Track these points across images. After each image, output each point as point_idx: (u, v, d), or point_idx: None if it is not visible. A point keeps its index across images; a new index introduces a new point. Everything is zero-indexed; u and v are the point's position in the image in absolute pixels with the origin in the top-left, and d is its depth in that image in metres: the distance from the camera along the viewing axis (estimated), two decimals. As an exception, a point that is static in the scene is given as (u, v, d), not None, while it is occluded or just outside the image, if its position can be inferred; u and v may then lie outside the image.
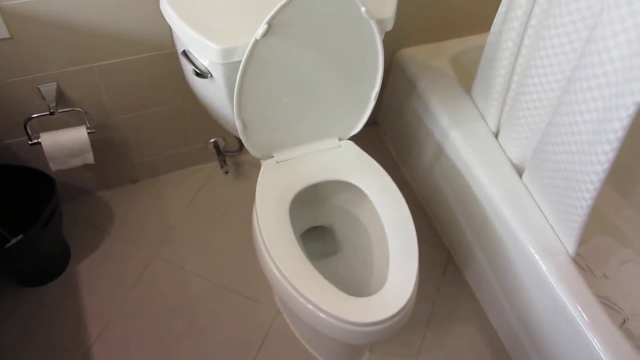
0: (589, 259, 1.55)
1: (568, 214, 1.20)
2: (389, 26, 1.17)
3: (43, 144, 1.33)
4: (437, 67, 1.66)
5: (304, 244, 1.48)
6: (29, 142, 1.33)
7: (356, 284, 1.35)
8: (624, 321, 1.42)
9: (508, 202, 1.34)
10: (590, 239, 1.60)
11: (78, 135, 1.35)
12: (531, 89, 1.27)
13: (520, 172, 1.41)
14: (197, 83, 1.23)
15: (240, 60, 1.06)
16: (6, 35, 1.17)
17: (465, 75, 1.66)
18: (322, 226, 1.52)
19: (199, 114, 1.57)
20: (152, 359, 1.39)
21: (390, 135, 1.91)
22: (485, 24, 1.70)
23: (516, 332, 1.41)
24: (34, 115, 1.31)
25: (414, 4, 1.55)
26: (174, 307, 1.49)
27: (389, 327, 1.08)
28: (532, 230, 1.29)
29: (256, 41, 1.03)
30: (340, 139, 1.36)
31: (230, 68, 1.09)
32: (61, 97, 1.35)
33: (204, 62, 1.13)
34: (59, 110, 1.32)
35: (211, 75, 1.14)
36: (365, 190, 1.27)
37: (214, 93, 1.20)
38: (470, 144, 1.46)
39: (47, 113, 1.30)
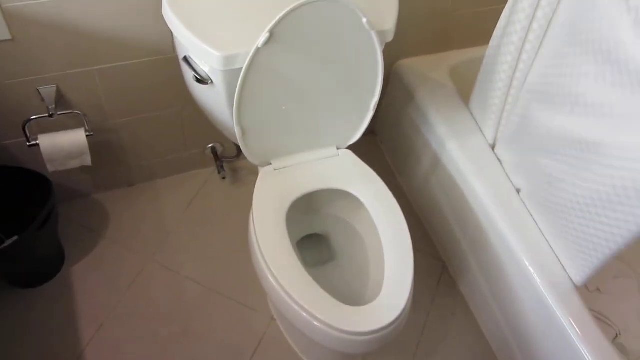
0: (583, 273, 1.56)
1: (583, 253, 1.18)
2: (390, 37, 1.18)
3: (41, 145, 1.33)
4: (435, 78, 1.67)
5: (300, 251, 1.48)
6: (27, 144, 1.33)
7: (351, 293, 1.35)
8: (617, 336, 1.43)
9: (503, 215, 1.35)
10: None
11: (76, 137, 1.35)
12: None
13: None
14: (197, 89, 1.23)
15: (241, 68, 1.07)
16: (7, 37, 1.17)
17: (464, 87, 1.68)
18: (318, 234, 1.52)
19: (198, 119, 1.57)
20: (145, 363, 1.39)
21: (388, 145, 1.92)
22: (484, 37, 1.71)
23: (509, 343, 1.41)
24: (32, 117, 1.32)
25: (414, 15, 1.56)
26: (168, 311, 1.48)
27: (383, 336, 1.09)
28: (527, 244, 1.29)
29: (257, 49, 1.04)
30: (338, 148, 1.36)
31: (231, 75, 1.10)
32: (60, 100, 1.35)
33: (204, 68, 1.14)
34: (58, 113, 1.33)
35: (211, 82, 1.14)
36: (362, 199, 1.27)
37: (214, 99, 1.20)
38: (467, 156, 1.47)
39: (46, 115, 1.31)
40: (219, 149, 1.73)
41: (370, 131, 1.98)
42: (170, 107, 1.53)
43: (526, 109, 1.29)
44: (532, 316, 1.29)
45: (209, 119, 1.34)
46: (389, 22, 1.16)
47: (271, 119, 1.21)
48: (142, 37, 1.31)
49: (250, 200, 1.24)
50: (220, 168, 1.72)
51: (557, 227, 1.25)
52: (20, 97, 1.30)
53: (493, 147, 1.49)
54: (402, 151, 1.80)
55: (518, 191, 1.38)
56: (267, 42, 1.03)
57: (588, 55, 1.05)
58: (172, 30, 1.12)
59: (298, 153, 1.32)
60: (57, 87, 1.32)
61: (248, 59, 1.05)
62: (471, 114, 1.57)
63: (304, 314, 1.10)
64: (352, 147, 1.37)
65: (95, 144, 1.51)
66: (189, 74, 1.18)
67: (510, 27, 1.27)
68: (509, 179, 1.42)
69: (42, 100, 1.32)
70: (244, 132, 1.20)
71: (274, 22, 1.01)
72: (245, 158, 1.28)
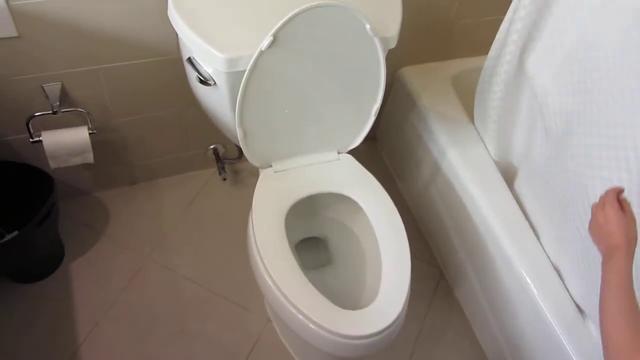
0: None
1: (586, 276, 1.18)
2: (393, 44, 1.19)
3: (44, 142, 1.34)
4: (438, 86, 1.68)
5: (298, 254, 1.49)
6: (30, 140, 1.34)
7: (347, 297, 1.35)
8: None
9: (502, 224, 1.35)
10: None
11: (79, 135, 1.36)
12: None
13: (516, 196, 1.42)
14: (200, 90, 1.24)
15: (244, 70, 1.07)
16: (14, 34, 1.18)
17: (466, 96, 1.68)
18: (316, 237, 1.53)
19: (200, 120, 1.58)
20: (140, 362, 1.40)
21: (388, 151, 1.93)
22: (487, 47, 1.73)
23: (504, 353, 1.41)
24: (36, 114, 1.32)
25: (418, 23, 1.57)
26: (165, 310, 1.49)
27: (379, 341, 1.09)
28: (525, 254, 1.30)
29: (261, 52, 1.05)
30: (339, 152, 1.37)
31: (234, 77, 1.11)
32: (65, 97, 1.36)
33: (208, 69, 1.15)
34: (62, 110, 1.33)
35: (215, 83, 1.15)
36: (361, 204, 1.28)
37: (217, 101, 1.21)
38: (467, 164, 1.48)
39: (50, 112, 1.31)
40: (221, 150, 1.74)
41: (371, 137, 1.99)
42: (173, 108, 1.54)
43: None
44: (527, 327, 1.29)
45: (212, 120, 1.35)
46: (393, 29, 1.17)
47: (273, 121, 1.22)
48: (147, 37, 1.32)
49: (251, 202, 1.25)
50: (222, 169, 1.73)
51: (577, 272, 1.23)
52: (24, 94, 1.31)
53: (505, 177, 1.47)
54: (403, 158, 1.81)
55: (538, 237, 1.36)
56: (270, 45, 1.04)
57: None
58: (177, 32, 1.13)
59: (299, 156, 1.33)
60: (62, 84, 1.33)
61: (251, 61, 1.06)
62: (474, 124, 1.57)
63: (300, 317, 1.10)
64: (352, 152, 1.38)
65: (98, 142, 1.52)
66: (192, 75, 1.19)
67: (508, 38, 1.28)
68: (509, 189, 1.42)
69: (47, 97, 1.33)
70: (245, 134, 1.21)
71: (277, 25, 1.02)
72: (246, 160, 1.29)
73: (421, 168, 1.69)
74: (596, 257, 1.11)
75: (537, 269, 1.27)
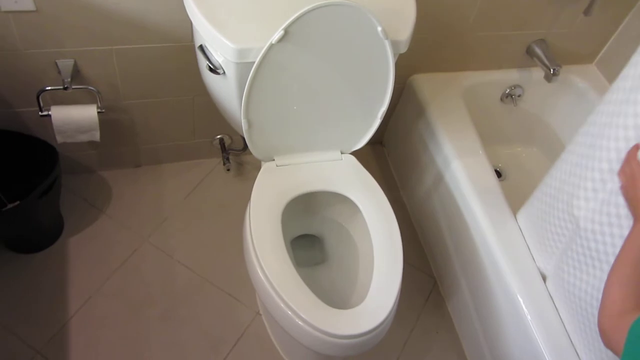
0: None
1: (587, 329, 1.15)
2: (404, 48, 1.20)
3: (53, 116, 1.36)
4: (448, 96, 1.68)
5: (293, 250, 1.49)
6: (40, 114, 1.36)
7: (338, 296, 1.36)
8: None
9: (500, 242, 1.34)
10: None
11: (88, 112, 1.38)
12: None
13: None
14: (209, 78, 1.25)
15: (254, 62, 1.08)
16: (32, 7, 1.20)
17: (476, 108, 1.69)
18: (313, 235, 1.53)
19: (209, 109, 1.59)
20: (126, 340, 1.41)
21: (394, 157, 1.93)
22: (499, 61, 1.73)
23: (489, 367, 1.41)
24: (47, 88, 1.34)
25: (434, 31, 1.57)
26: (156, 293, 1.50)
27: (364, 342, 1.10)
28: (521, 276, 1.28)
29: (271, 45, 1.06)
30: (342, 153, 1.38)
31: (243, 68, 1.12)
32: (77, 74, 1.38)
33: (218, 59, 1.16)
34: (73, 87, 1.35)
35: (224, 72, 1.16)
36: (359, 206, 1.29)
37: (225, 90, 1.22)
38: (470, 177, 1.47)
39: (61, 87, 1.33)
40: (227, 141, 1.75)
41: (378, 142, 2.00)
42: (183, 95, 1.55)
43: None
44: (516, 347, 1.28)
45: (219, 108, 1.36)
46: (404, 33, 1.18)
47: (278, 115, 1.23)
48: (163, 22, 1.33)
49: (251, 194, 1.26)
50: (226, 160, 1.74)
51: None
52: (37, 68, 1.33)
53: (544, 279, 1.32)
54: (408, 165, 1.81)
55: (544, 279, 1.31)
56: (281, 39, 1.05)
57: None
58: (191, 19, 1.14)
59: (302, 152, 1.34)
60: (75, 61, 1.35)
61: (261, 54, 1.07)
62: (479, 138, 1.56)
63: (289, 312, 1.11)
64: (359, 156, 1.38)
65: (106, 121, 1.54)
66: (203, 63, 1.20)
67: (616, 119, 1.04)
68: (510, 209, 1.42)
69: (59, 72, 1.35)
70: (250, 125, 1.22)
71: (289, 20, 1.03)
72: (251, 153, 1.30)
73: (424, 177, 1.69)
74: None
75: (533, 294, 1.26)
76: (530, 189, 1.87)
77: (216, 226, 1.67)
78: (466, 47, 1.67)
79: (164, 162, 1.77)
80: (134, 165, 1.74)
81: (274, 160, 1.33)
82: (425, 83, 1.71)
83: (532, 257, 1.32)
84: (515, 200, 1.49)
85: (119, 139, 1.62)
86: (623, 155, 1.00)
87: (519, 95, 1.82)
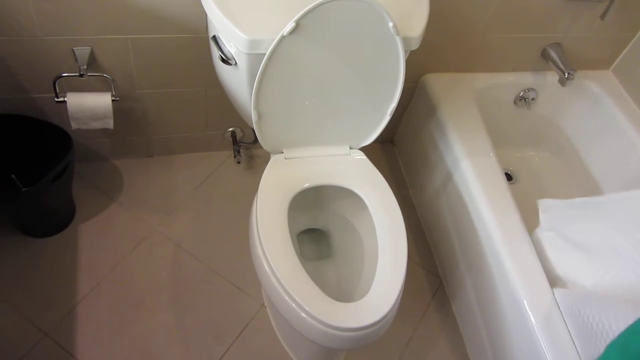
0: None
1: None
2: (415, 45, 1.20)
3: (68, 102, 1.38)
4: (460, 97, 1.67)
5: (300, 243, 1.50)
6: (55, 100, 1.39)
7: (343, 291, 1.37)
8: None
9: (506, 243, 1.34)
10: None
11: (102, 100, 1.40)
12: None
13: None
14: (221, 69, 1.27)
15: (265, 53, 1.10)
16: (51, -6, 1.23)
17: (487, 109, 1.68)
18: (320, 229, 1.54)
19: (222, 102, 1.61)
20: (132, 326, 1.43)
21: (405, 156, 1.93)
22: (512, 64, 1.73)
23: (492, 369, 1.41)
24: (64, 74, 1.37)
25: (448, 30, 1.57)
26: (163, 281, 1.52)
27: (366, 335, 1.10)
28: (526, 279, 1.27)
29: (282, 37, 1.07)
30: (351, 148, 1.38)
31: (254, 59, 1.13)
32: (93, 62, 1.40)
33: (231, 49, 1.17)
34: (89, 74, 1.38)
35: (235, 63, 1.18)
36: (366, 201, 1.29)
37: (236, 81, 1.24)
38: (479, 178, 1.46)
39: (77, 74, 1.36)
40: (238, 134, 1.77)
41: (389, 141, 2.00)
42: (196, 86, 1.57)
43: None
44: (520, 350, 1.27)
45: (230, 100, 1.37)
46: (416, 30, 1.18)
47: (287, 108, 1.24)
48: (179, 13, 1.35)
49: (259, 186, 1.27)
50: (237, 153, 1.76)
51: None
52: (55, 55, 1.36)
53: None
54: (417, 164, 1.81)
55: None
56: (292, 31, 1.06)
57: None
58: (205, 9, 1.16)
59: (310, 146, 1.35)
60: (92, 49, 1.37)
61: (272, 45, 1.08)
62: (489, 138, 1.55)
63: (292, 304, 1.11)
64: (369, 155, 1.38)
65: (120, 109, 1.56)
66: (215, 53, 1.21)
67: None
68: (518, 210, 1.40)
69: (76, 60, 1.37)
70: (259, 117, 1.23)
71: (301, 12, 1.04)
72: (262, 147, 1.31)
73: (433, 176, 1.69)
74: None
75: (539, 299, 1.25)
76: (541, 192, 1.87)
77: (225, 218, 1.68)
78: (480, 48, 1.66)
79: (175, 153, 1.79)
80: (146, 154, 1.77)
81: (282, 153, 1.34)
82: (438, 82, 1.70)
83: (539, 262, 1.31)
84: (526, 204, 1.48)
85: (132, 128, 1.65)
86: None
87: (532, 99, 1.81)
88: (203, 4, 1.16)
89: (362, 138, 1.37)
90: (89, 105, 1.40)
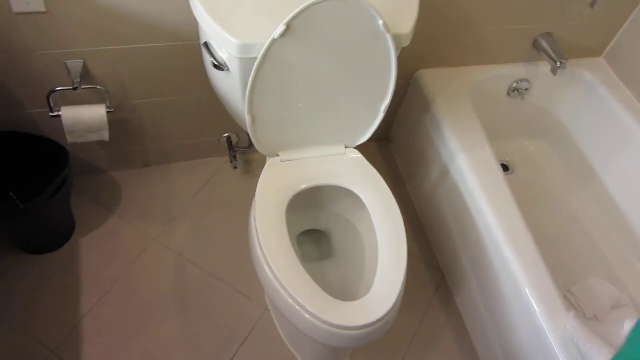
0: (582, 299, 1.55)
1: None
2: (406, 42, 1.20)
3: (63, 116, 1.38)
4: (454, 91, 1.68)
5: (300, 245, 1.50)
6: (50, 114, 1.39)
7: (345, 290, 1.37)
8: (611, 364, 1.41)
9: (506, 235, 1.34)
10: (585, 279, 1.60)
11: (97, 112, 1.40)
12: None
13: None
14: (214, 75, 1.27)
15: (257, 57, 1.10)
16: (42, 9, 1.23)
17: (482, 103, 1.68)
18: (320, 230, 1.54)
19: (216, 108, 1.61)
20: (138, 338, 1.43)
21: (401, 153, 1.93)
22: (506, 56, 1.73)
23: (499, 360, 1.41)
24: (58, 88, 1.37)
25: (440, 26, 1.58)
26: (167, 291, 1.52)
27: (369, 333, 1.10)
28: (527, 267, 1.29)
29: (273, 40, 1.07)
30: (346, 147, 1.38)
31: (246, 63, 1.13)
32: (86, 75, 1.40)
33: (223, 55, 1.18)
34: (82, 87, 1.37)
35: (228, 69, 1.18)
36: (363, 199, 1.29)
37: (229, 86, 1.24)
38: (475, 171, 1.47)
39: (71, 88, 1.36)
40: (234, 139, 1.77)
41: (385, 138, 2.00)
42: (191, 94, 1.57)
43: None
44: (524, 338, 1.28)
45: (224, 105, 1.38)
46: (407, 26, 1.18)
47: (281, 110, 1.24)
48: (170, 21, 1.35)
49: (257, 190, 1.27)
50: (233, 158, 1.76)
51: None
52: (48, 69, 1.36)
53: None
54: (414, 160, 1.82)
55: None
56: (283, 34, 1.06)
57: None
58: (195, 15, 1.16)
59: (306, 147, 1.35)
60: (84, 62, 1.37)
61: (263, 49, 1.08)
62: (485, 132, 1.55)
63: (296, 306, 1.12)
64: (365, 153, 1.39)
65: (115, 121, 1.56)
66: (208, 60, 1.22)
67: None
68: (515, 200, 1.41)
69: (69, 73, 1.37)
70: (254, 121, 1.23)
71: (291, 15, 1.04)
72: (258, 151, 1.32)
73: (430, 172, 1.69)
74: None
75: (541, 288, 1.26)
76: (538, 183, 1.87)
77: (224, 224, 1.68)
78: (472, 42, 1.67)
79: (172, 162, 1.79)
80: (143, 165, 1.77)
81: (278, 155, 1.34)
82: (431, 78, 1.71)
83: (538, 250, 1.32)
84: (523, 194, 1.48)
85: (128, 138, 1.65)
86: None
87: (526, 90, 1.81)
88: (193, 11, 1.17)
89: (357, 137, 1.37)
90: (84, 118, 1.40)
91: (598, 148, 1.79)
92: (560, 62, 1.63)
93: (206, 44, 1.20)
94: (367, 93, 1.27)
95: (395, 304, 1.11)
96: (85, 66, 1.38)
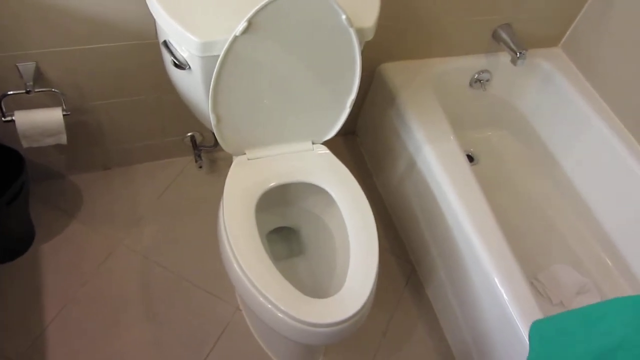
0: (548, 286, 1.58)
1: None
2: (369, 36, 1.20)
3: (17, 121, 1.33)
4: (417, 84, 1.69)
5: (270, 243, 1.49)
6: (2, 119, 1.33)
7: (316, 287, 1.36)
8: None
9: (474, 224, 1.36)
10: (550, 266, 1.64)
11: (53, 115, 1.35)
12: None
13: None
14: (175, 74, 1.24)
15: (219, 55, 1.07)
16: (-13, 9, 1.17)
17: (445, 94, 1.70)
18: (289, 227, 1.53)
19: (178, 107, 1.57)
20: (107, 345, 1.39)
21: (367, 146, 1.94)
22: (468, 47, 1.75)
23: (470, 351, 1.43)
24: (9, 92, 1.31)
25: (400, 19, 1.58)
26: (134, 295, 1.48)
27: (344, 329, 1.10)
28: (494, 253, 1.31)
29: (235, 37, 1.05)
30: (313, 143, 1.37)
31: (208, 61, 1.11)
32: (39, 77, 1.35)
33: (183, 53, 1.15)
34: (36, 90, 1.32)
35: (189, 68, 1.15)
36: (333, 195, 1.29)
37: (192, 85, 1.21)
38: (441, 161, 1.48)
39: (24, 91, 1.30)
40: (198, 138, 1.74)
41: (351, 132, 2.00)
42: (151, 93, 1.53)
43: None
44: (493, 325, 1.31)
45: (187, 105, 1.35)
46: (369, 20, 1.17)
47: (246, 108, 1.22)
48: (126, 20, 1.31)
49: (224, 190, 1.25)
50: (198, 157, 1.73)
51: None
52: (-2, 72, 1.30)
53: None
54: (381, 153, 1.82)
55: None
56: (245, 31, 1.04)
57: None
58: (153, 14, 1.13)
59: (272, 145, 1.33)
60: (37, 64, 1.32)
61: (225, 46, 1.06)
62: (449, 122, 1.57)
63: (268, 305, 1.11)
64: (332, 147, 1.38)
65: (72, 123, 1.51)
66: (168, 59, 1.18)
67: None
68: (480, 187, 1.43)
69: (21, 76, 1.32)
70: (218, 120, 1.21)
71: (253, 11, 1.02)
72: (223, 149, 1.29)
73: (397, 164, 1.70)
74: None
75: (507, 273, 1.28)
76: (502, 171, 1.91)
77: (191, 224, 1.65)
78: (434, 34, 1.68)
79: (135, 163, 1.75)
80: (104, 167, 1.72)
81: (245, 154, 1.32)
82: (394, 71, 1.71)
83: (505, 237, 1.34)
84: (489, 183, 1.51)
85: (87, 141, 1.60)
86: None
87: (487, 80, 1.84)
88: (150, 9, 1.13)
89: (324, 132, 1.37)
90: (39, 122, 1.35)
91: (557, 135, 1.84)
92: (520, 53, 1.66)
93: (165, 43, 1.16)
94: (333, 88, 1.26)
95: (368, 299, 1.11)
96: (37, 68, 1.33)
